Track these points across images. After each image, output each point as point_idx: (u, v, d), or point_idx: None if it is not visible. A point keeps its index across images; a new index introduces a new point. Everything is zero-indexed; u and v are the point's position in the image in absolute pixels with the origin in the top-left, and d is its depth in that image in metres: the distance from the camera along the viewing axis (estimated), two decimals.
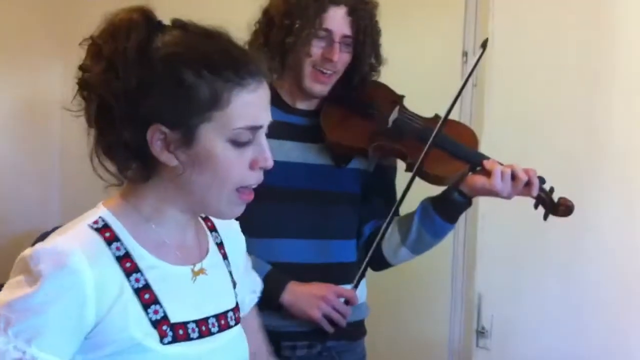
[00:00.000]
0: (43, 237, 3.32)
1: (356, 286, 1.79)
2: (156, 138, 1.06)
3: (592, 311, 2.39)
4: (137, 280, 1.07)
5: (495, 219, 2.52)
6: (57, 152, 4.06)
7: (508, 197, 1.78)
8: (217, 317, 1.18)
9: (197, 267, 1.18)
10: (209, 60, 1.06)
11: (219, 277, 1.24)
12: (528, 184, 1.76)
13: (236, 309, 1.25)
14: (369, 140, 1.85)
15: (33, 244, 3.38)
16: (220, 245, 1.28)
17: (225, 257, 1.28)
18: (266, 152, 1.12)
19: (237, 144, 1.08)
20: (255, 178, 1.12)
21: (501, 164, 1.77)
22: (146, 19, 1.08)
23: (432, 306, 2.79)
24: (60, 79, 4.04)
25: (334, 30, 1.81)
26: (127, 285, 1.06)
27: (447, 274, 2.72)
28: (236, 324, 1.23)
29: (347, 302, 1.78)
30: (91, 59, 1.09)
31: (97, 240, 1.07)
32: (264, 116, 1.11)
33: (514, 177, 1.75)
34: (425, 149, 1.77)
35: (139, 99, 1.04)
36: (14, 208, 3.92)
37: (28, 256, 1.01)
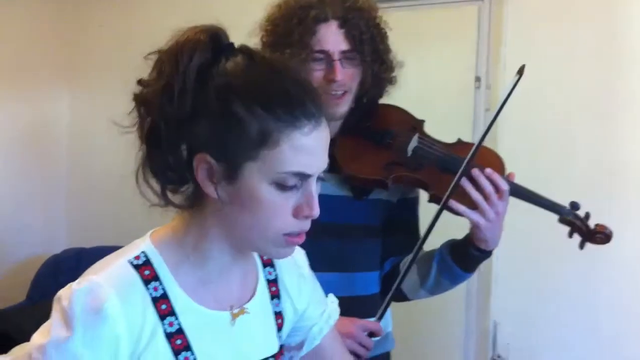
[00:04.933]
0: (51, 262, 3.31)
1: (380, 318, 1.73)
2: (202, 167, 1.01)
3: (611, 339, 2.35)
4: (170, 324, 1.02)
5: (511, 247, 2.48)
6: (63, 178, 4.05)
7: (491, 220, 1.66)
8: None
9: (237, 310, 1.10)
10: (263, 95, 0.98)
11: (263, 319, 1.15)
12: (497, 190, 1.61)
13: (278, 354, 1.17)
14: (387, 172, 1.71)
15: (40, 269, 3.34)
16: (272, 282, 1.19)
17: (275, 295, 1.19)
18: (313, 200, 1.02)
19: (282, 187, 0.99)
20: (299, 227, 1.03)
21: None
22: (213, 41, 1.01)
23: (445, 335, 2.75)
24: (66, 107, 4.05)
25: (330, 50, 1.66)
26: (160, 328, 1.01)
27: (461, 303, 2.68)
28: None
29: (371, 335, 1.72)
30: (153, 74, 1.03)
31: (135, 280, 1.01)
32: (316, 163, 1.02)
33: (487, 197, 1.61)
34: (453, 184, 1.63)
35: (190, 125, 0.99)
36: (21, 233, 3.90)
37: (64, 297, 0.98)
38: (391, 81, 1.82)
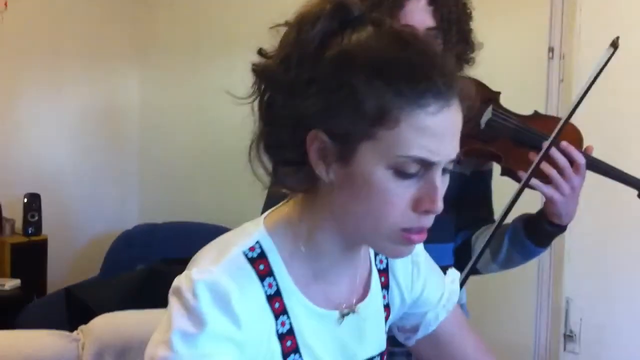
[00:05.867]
0: (123, 237, 3.40)
1: None
2: (315, 146, 0.89)
3: None
4: (282, 324, 0.94)
5: (584, 221, 2.42)
6: (135, 155, 4.14)
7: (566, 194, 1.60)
8: None
9: (346, 310, 1.01)
10: (384, 66, 0.86)
11: (373, 315, 1.06)
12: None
13: (385, 351, 1.09)
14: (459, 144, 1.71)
15: (113, 244, 3.42)
16: (382, 272, 1.09)
17: (385, 286, 1.09)
18: (436, 193, 0.88)
19: (400, 174, 0.87)
20: (418, 222, 0.90)
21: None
22: (339, 11, 0.91)
23: (517, 310, 2.71)
24: (138, 87, 4.13)
25: (415, 25, 1.59)
26: (273, 327, 0.94)
27: (533, 278, 2.64)
28: None
29: None
30: (277, 45, 0.94)
31: (251, 275, 0.93)
32: (442, 150, 0.88)
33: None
34: (537, 160, 1.56)
35: (305, 98, 0.88)
36: (94, 209, 4.02)
37: (185, 289, 0.90)
38: (469, 62, 1.79)
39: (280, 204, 1.02)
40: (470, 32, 1.73)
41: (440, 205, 0.89)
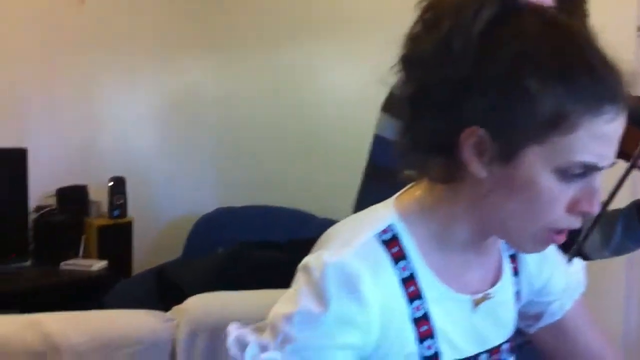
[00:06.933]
0: (203, 220, 3.46)
1: None
2: (470, 142, 0.86)
3: None
4: (417, 308, 0.92)
5: None
6: (212, 141, 4.21)
7: None
8: (490, 352, 1.01)
9: (480, 295, 0.99)
10: (564, 69, 0.83)
11: (505, 301, 1.04)
12: None
13: (513, 338, 1.07)
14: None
15: (193, 227, 3.48)
16: (512, 258, 1.07)
17: (515, 272, 1.07)
18: (595, 196, 0.87)
19: (564, 177, 0.85)
20: (568, 223, 0.89)
21: None
22: None
23: (606, 296, 2.66)
24: (216, 70, 4.20)
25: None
26: (406, 312, 0.92)
27: (622, 263, 2.58)
28: (508, 357, 1.06)
29: None
30: (424, 28, 0.88)
31: (384, 258, 0.92)
32: (610, 155, 0.86)
33: None
34: None
35: (464, 92, 0.85)
36: (176, 192, 4.12)
37: (315, 269, 0.89)
38: None
39: (409, 186, 1.00)
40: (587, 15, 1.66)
41: (597, 208, 0.88)
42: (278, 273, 2.14)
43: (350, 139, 3.50)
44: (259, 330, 0.93)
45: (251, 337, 0.92)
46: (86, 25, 3.70)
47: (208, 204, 3.98)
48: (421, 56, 0.88)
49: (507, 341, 1.04)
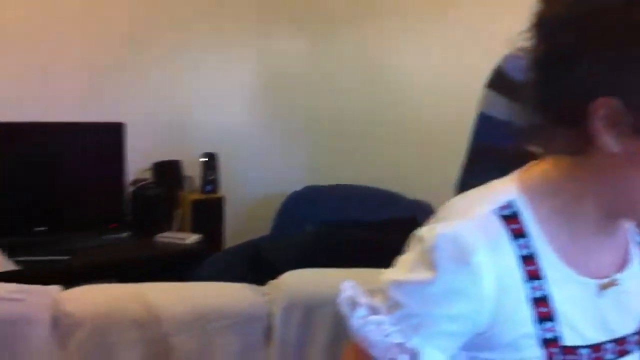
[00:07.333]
0: (292, 198, 3.49)
1: None
2: (602, 113, 0.81)
3: None
4: (536, 288, 0.89)
5: None
6: (303, 120, 4.24)
7: None
8: (615, 342, 0.95)
9: (606, 280, 0.94)
10: None
11: (633, 289, 0.98)
12: None
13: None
14: None
15: (283, 204, 3.49)
16: None
17: None
18: None
19: None
20: None
21: None
22: None
23: None
24: (307, 48, 4.21)
25: None
26: (523, 291, 0.89)
27: None
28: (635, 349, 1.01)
29: None
30: None
31: (502, 233, 0.89)
32: None
33: None
34: None
35: (600, 58, 0.81)
36: (265, 169, 4.18)
37: (427, 239, 0.89)
38: None
39: (532, 163, 0.96)
40: None
41: None
42: (367, 252, 2.15)
43: (442, 120, 3.47)
44: (371, 293, 0.94)
45: (363, 299, 0.92)
46: (183, 1, 3.78)
47: (297, 181, 4.02)
48: (554, 17, 0.84)
49: (635, 333, 0.98)
